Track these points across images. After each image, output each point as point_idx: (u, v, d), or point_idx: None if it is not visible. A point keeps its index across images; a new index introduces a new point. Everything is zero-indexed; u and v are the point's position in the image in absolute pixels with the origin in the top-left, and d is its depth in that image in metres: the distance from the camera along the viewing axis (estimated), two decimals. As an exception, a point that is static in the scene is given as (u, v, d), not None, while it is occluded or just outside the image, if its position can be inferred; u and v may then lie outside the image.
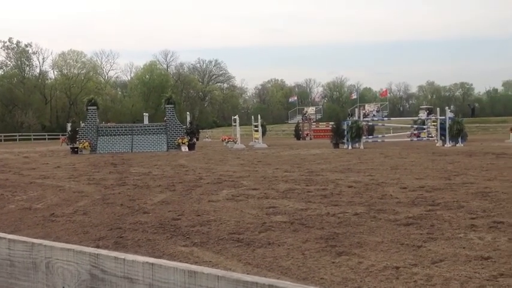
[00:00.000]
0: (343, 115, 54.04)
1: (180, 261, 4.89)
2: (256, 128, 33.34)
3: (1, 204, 8.92)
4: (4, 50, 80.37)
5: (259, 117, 32.77)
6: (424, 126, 32.01)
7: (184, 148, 27.27)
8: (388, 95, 79.27)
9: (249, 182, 11.17)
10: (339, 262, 4.65)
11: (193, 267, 1.23)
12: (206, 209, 7.75)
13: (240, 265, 4.68)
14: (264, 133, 34.92)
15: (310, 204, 7.91)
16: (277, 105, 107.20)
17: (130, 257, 1.29)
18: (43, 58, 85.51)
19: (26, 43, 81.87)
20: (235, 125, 32.94)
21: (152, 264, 1.24)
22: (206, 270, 1.19)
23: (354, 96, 72.07)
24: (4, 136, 62.12)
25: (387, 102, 65.64)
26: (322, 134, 45.21)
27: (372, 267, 4.46)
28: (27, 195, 9.93)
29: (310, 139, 45.23)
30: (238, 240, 5.60)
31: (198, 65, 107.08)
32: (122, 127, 29.37)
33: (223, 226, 6.40)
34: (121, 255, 1.31)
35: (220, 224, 6.55)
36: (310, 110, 64.41)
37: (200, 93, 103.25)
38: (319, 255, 4.88)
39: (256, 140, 32.43)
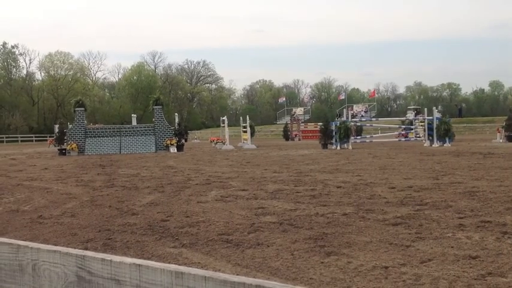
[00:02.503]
0: (331, 116, 54.21)
1: (169, 262, 4.87)
2: (244, 129, 33.34)
3: (-13, 207, 8.83)
4: (-10, 51, 79.74)
5: (247, 118, 32.77)
6: (412, 127, 32.21)
7: (173, 149, 27.21)
8: (376, 95, 79.66)
9: (237, 182, 11.16)
10: (328, 262, 4.65)
11: (181, 268, 1.22)
12: (195, 210, 7.73)
13: (229, 266, 4.67)
14: (252, 134, 34.94)
15: (299, 204, 7.91)
16: (266, 106, 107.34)
17: (117, 258, 1.28)
18: (30, 59, 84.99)
19: (13, 44, 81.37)
20: (224, 126, 32.92)
21: (139, 265, 1.23)
22: (193, 271, 1.18)
23: (342, 97, 72.33)
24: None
25: (375, 103, 65.96)
26: (310, 134, 45.34)
27: (361, 267, 4.47)
28: (15, 197, 9.84)
29: (299, 140, 45.33)
30: (228, 241, 5.59)
31: (186, 66, 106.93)
32: (110, 128, 29.24)
33: (212, 227, 6.39)
34: (108, 256, 1.30)
35: (209, 225, 6.54)
36: (299, 110, 64.52)
37: (188, 94, 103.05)
38: (308, 256, 4.89)
39: (245, 141, 32.43)
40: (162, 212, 7.65)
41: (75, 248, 5.39)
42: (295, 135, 46.72)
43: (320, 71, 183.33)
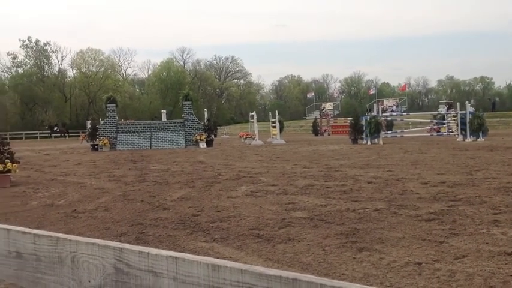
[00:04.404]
0: (361, 110, 53.70)
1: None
2: (274, 124, 33.29)
3: (24, 201, 9.04)
4: (23, 48, 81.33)
5: (276, 113, 32.71)
6: (444, 121, 31.67)
7: (203, 145, 27.37)
8: (407, 89, 78.60)
9: (267, 178, 11.16)
10: (360, 258, 4.62)
11: (217, 260, 1.22)
12: (225, 205, 7.76)
13: (261, 261, 4.67)
14: (281, 129, 34.84)
15: (329, 200, 7.87)
16: (295, 101, 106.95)
17: (154, 251, 1.29)
18: (62, 56, 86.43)
19: (45, 42, 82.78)
20: (253, 122, 32.95)
21: (176, 258, 1.24)
22: (229, 263, 1.18)
23: (372, 91, 71.54)
24: (25, 134, 63.01)
25: (406, 97, 65.07)
26: (340, 129, 45.03)
27: (394, 263, 4.42)
28: (49, 192, 10.05)
29: (328, 135, 45.08)
30: (258, 236, 5.59)
31: (215, 61, 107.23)
32: (140, 124, 29.58)
33: (243, 222, 6.41)
34: (145, 249, 1.31)
35: (240, 219, 6.56)
36: (328, 105, 64.15)
37: (217, 90, 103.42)
38: (339, 251, 4.86)
39: (274, 136, 32.39)
40: (193, 206, 7.71)
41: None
42: (325, 130, 46.47)
43: (349, 66, 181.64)
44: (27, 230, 1.52)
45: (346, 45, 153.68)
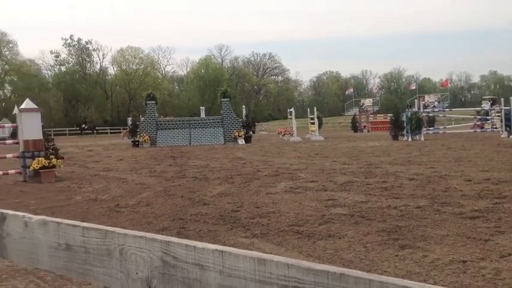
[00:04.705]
0: (401, 106, 52.79)
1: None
2: (312, 121, 33.11)
3: (69, 196, 9.28)
4: (66, 47, 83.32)
5: (315, 109, 32.52)
6: (488, 117, 30.84)
7: (241, 141, 27.47)
8: (449, 85, 76.82)
9: (306, 174, 11.12)
10: (402, 255, 4.55)
11: (263, 255, 1.22)
12: (265, 201, 7.77)
13: (301, 257, 4.66)
14: (320, 125, 34.63)
15: (370, 196, 7.78)
16: (333, 98, 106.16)
17: (200, 244, 1.29)
18: (103, 54, 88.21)
19: (87, 40, 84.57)
20: (291, 118, 32.84)
21: (222, 251, 1.24)
22: (276, 258, 1.17)
23: (413, 87, 70.24)
24: (68, 130, 64.66)
25: (448, 93, 63.57)
26: (380, 126, 44.48)
27: (438, 260, 4.33)
28: (93, 187, 10.28)
29: (368, 131, 44.55)
30: (298, 232, 5.58)
31: (253, 58, 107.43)
32: (180, 121, 29.90)
33: (283, 218, 6.40)
34: (191, 242, 1.32)
35: (280, 216, 6.55)
36: (367, 101, 63.29)
37: (255, 87, 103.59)
38: (381, 248, 4.80)
39: (313, 133, 32.22)
40: (232, 202, 7.75)
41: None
42: (364, 126, 45.95)
43: (389, 61, 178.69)
44: (76, 223, 1.55)
45: (385, 40, 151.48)
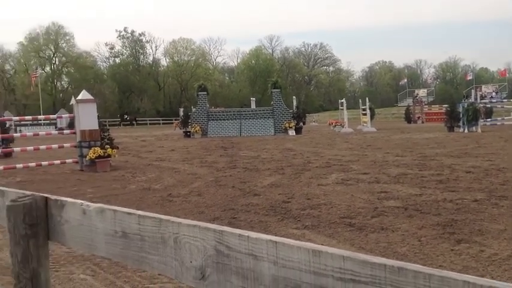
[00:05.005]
0: (457, 97, 51.26)
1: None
2: (364, 112, 32.63)
3: (123, 185, 9.52)
4: (120, 39, 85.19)
5: (367, 100, 32.02)
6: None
7: (292, 132, 27.39)
8: (507, 75, 73.95)
9: (358, 166, 10.97)
10: (458, 250, 4.42)
11: (318, 246, 1.20)
12: (316, 192, 7.72)
13: (353, 249, 4.60)
14: (372, 116, 34.08)
15: (424, 189, 7.59)
16: (386, 88, 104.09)
17: (253, 234, 1.28)
18: (156, 46, 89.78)
19: (140, 32, 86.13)
20: (342, 109, 32.48)
21: (276, 242, 1.22)
22: (331, 250, 1.15)
23: (470, 77, 68.01)
24: (123, 121, 66.35)
25: (506, 83, 61.25)
26: (434, 117, 43.30)
27: (495, 256, 4.19)
28: (146, 177, 10.51)
29: (422, 122, 43.51)
30: (350, 225, 5.51)
31: (303, 48, 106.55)
32: (230, 112, 30.09)
33: (334, 210, 6.34)
34: (245, 232, 1.31)
35: (331, 207, 6.50)
36: (422, 92, 61.93)
37: (306, 77, 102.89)
38: (436, 242, 4.68)
39: (365, 124, 31.76)
40: (283, 193, 7.74)
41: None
42: (418, 117, 44.89)
43: (444, 50, 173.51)
44: (132, 211, 1.57)
45: (441, 28, 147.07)
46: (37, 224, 1.88)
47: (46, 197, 1.89)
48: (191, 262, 1.37)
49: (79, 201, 1.78)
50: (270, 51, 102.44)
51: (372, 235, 5.06)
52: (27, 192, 1.95)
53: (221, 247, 1.32)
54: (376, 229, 5.27)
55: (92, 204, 1.72)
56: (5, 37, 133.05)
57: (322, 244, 4.76)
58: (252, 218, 6.07)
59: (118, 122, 64.82)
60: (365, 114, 32.29)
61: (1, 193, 2.16)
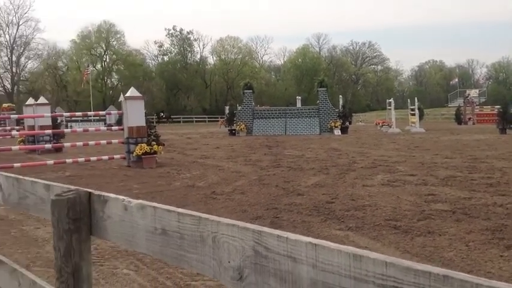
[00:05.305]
0: (510, 98, 49.58)
1: (335, 244, 4.85)
2: (412, 112, 31.98)
3: (168, 181, 9.65)
4: (169, 37, 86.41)
5: (415, 100, 31.36)
6: None
7: (337, 131, 27.14)
8: None
9: (405, 167, 10.74)
10: (507, 256, 4.25)
11: (359, 251, 1.16)
12: (360, 193, 7.60)
13: (398, 253, 4.50)
14: (421, 117, 33.34)
15: (474, 193, 7.36)
16: (436, 88, 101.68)
17: (292, 236, 1.26)
18: (203, 44, 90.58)
19: (188, 30, 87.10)
20: (390, 109, 31.92)
21: (316, 245, 1.19)
22: (372, 255, 1.11)
23: (524, 77, 65.58)
24: (170, 118, 67.40)
25: None
26: (486, 118, 42.02)
27: (549, 264, 4.01)
28: (191, 174, 10.61)
29: (473, 124, 42.27)
30: (395, 227, 5.40)
31: (351, 47, 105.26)
32: (275, 110, 30.07)
33: (379, 212, 6.23)
34: (283, 233, 1.29)
35: (376, 209, 6.38)
36: (473, 92, 60.17)
37: (353, 76, 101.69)
38: (485, 248, 4.52)
39: (413, 124, 31.13)
40: (327, 193, 7.66)
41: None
42: (469, 118, 43.63)
43: (497, 50, 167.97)
44: (172, 208, 1.57)
45: (493, 27, 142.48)
46: (80, 218, 1.90)
47: (89, 192, 1.91)
48: (229, 262, 1.35)
49: (121, 197, 1.79)
50: (317, 49, 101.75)
51: (418, 239, 4.93)
52: (72, 187, 1.98)
53: (259, 248, 1.30)
54: (422, 233, 5.14)
55: (133, 200, 1.73)
56: (59, 35, 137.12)
57: (366, 247, 4.68)
58: (295, 218, 6.03)
59: (156, 120, 66.00)
60: (413, 115, 31.64)
61: (46, 187, 2.21)
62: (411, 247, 4.67)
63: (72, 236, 1.89)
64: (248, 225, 1.36)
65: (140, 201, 1.70)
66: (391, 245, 4.75)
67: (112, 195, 1.84)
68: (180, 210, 1.55)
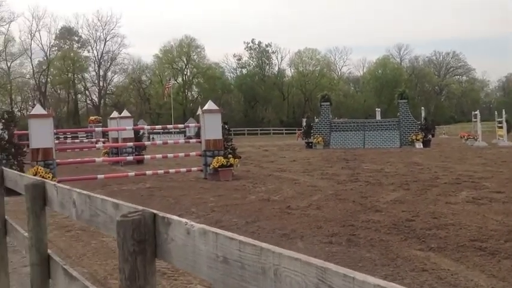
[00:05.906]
0: None
1: (416, 266, 4.60)
2: (500, 124, 30.38)
3: (243, 195, 9.65)
4: (247, 50, 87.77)
5: (503, 112, 29.77)
6: None
7: (419, 145, 26.24)
8: None
9: (492, 183, 10.14)
10: None
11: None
12: (443, 211, 7.23)
13: (483, 277, 4.19)
14: (509, 130, 31.60)
15: None
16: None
17: (360, 276, 1.14)
18: (281, 57, 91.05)
19: (266, 43, 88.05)
20: (476, 121, 30.48)
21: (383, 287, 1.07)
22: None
23: None
24: (247, 130, 68.10)
25: None
26: None
27: None
28: (266, 187, 10.57)
29: None
30: (481, 249, 5.05)
31: (434, 57, 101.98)
32: (354, 123, 29.58)
33: (463, 231, 5.87)
34: (350, 273, 1.18)
35: (460, 228, 6.02)
36: None
37: (436, 87, 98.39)
38: None
39: (500, 138, 29.55)
40: (407, 210, 7.35)
41: (321, 241, 5.47)
42: (563, 131, 40.86)
43: None
44: (234, 235, 1.49)
45: None
46: (145, 240, 1.87)
47: (154, 214, 1.88)
48: (291, 298, 1.26)
49: (184, 220, 1.74)
50: (398, 60, 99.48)
51: (506, 261, 4.58)
52: (139, 207, 1.95)
53: (323, 286, 1.19)
54: (510, 255, 4.77)
55: (196, 224, 1.67)
56: (143, 50, 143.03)
57: (448, 269, 4.40)
58: (373, 236, 5.80)
59: (245, 131, 66.67)
60: (501, 127, 30.04)
61: (115, 206, 2.20)
62: (498, 271, 4.34)
63: (137, 258, 1.85)
64: (312, 260, 1.26)
65: (202, 226, 1.63)
66: (475, 268, 4.44)
67: (175, 217, 1.80)
68: (241, 238, 1.47)
